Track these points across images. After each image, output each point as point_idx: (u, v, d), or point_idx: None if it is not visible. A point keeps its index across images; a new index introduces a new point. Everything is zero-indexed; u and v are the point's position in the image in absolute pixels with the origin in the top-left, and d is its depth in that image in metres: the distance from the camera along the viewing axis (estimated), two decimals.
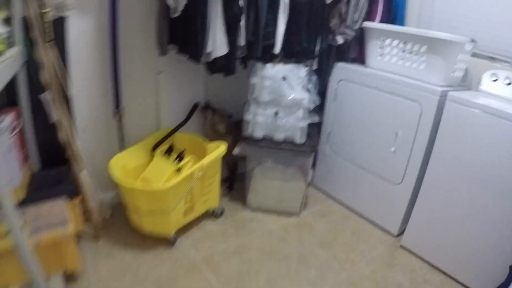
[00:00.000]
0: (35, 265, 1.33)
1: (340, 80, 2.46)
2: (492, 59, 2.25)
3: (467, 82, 2.31)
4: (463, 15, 2.39)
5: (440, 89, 1.98)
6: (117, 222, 2.24)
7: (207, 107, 2.48)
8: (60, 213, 1.71)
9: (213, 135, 2.45)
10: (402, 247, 2.27)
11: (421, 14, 2.59)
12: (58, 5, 1.72)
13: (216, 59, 1.98)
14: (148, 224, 2.03)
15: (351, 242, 2.30)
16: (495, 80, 2.09)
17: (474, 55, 2.27)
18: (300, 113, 2.20)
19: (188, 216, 2.15)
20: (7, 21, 1.62)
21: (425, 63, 2.11)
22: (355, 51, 2.49)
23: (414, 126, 2.10)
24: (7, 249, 1.47)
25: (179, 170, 2.03)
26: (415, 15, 2.61)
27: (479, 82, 2.17)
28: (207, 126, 2.47)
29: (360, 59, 2.51)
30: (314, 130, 2.56)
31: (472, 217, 1.91)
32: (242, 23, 1.92)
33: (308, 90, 2.20)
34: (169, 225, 2.03)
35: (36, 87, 1.84)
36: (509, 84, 2.03)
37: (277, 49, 2.10)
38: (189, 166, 2.02)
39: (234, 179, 2.72)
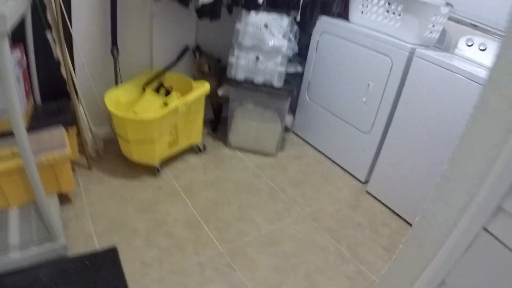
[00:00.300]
0: (40, 183, 1.51)
1: (323, 33, 2.60)
2: (473, 26, 2.36)
3: (445, 44, 2.44)
4: None
5: (410, 45, 2.12)
6: (108, 154, 2.46)
7: (197, 49, 2.65)
8: (59, 138, 1.90)
9: (198, 75, 2.61)
10: (367, 192, 2.49)
11: None
12: None
13: (204, 5, 2.13)
14: (136, 152, 2.23)
15: (320, 183, 2.52)
16: (471, 45, 2.22)
17: (456, 20, 2.40)
18: (279, 59, 2.36)
19: (172, 148, 2.36)
20: None
21: (400, 22, 2.23)
22: (339, 6, 2.61)
23: (385, 79, 2.26)
24: (13, 169, 1.70)
25: (166, 104, 2.22)
26: None
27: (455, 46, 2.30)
28: (194, 67, 2.65)
29: (343, 14, 2.63)
30: (296, 79, 2.73)
31: (432, 169, 2.09)
32: None
33: (288, 39, 2.35)
34: (155, 154, 2.24)
35: (40, 26, 2.01)
36: (483, 50, 2.16)
37: None
38: (175, 100, 2.22)
39: (218, 121, 2.92)
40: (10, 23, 1.23)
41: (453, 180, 0.80)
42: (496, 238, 0.72)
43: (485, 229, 0.74)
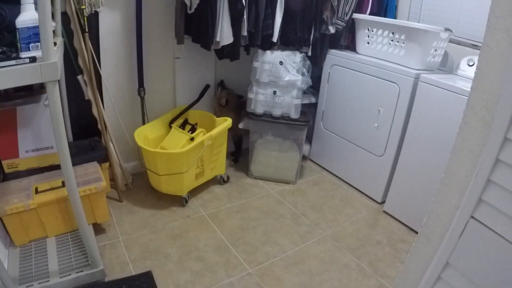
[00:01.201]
0: (83, 212, 1.66)
1: (333, 65, 2.78)
2: (473, 46, 2.50)
3: (448, 66, 2.57)
4: (448, 6, 2.64)
5: (415, 71, 2.27)
6: (137, 187, 2.63)
7: (220, 84, 2.87)
8: (94, 173, 2.07)
9: (218, 109, 2.81)
10: (384, 212, 2.58)
11: (412, 6, 2.89)
12: (93, 2, 2.08)
13: (223, 46, 2.34)
14: (165, 184, 2.39)
15: (339, 206, 2.63)
16: (472, 65, 2.34)
17: (457, 42, 2.54)
18: (295, 92, 2.54)
19: (199, 179, 2.52)
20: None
21: (404, 50, 2.40)
22: (347, 39, 2.80)
23: (394, 105, 2.40)
24: (52, 201, 1.87)
25: (192, 139, 2.39)
26: (406, 8, 2.92)
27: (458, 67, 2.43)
28: (214, 99, 2.85)
29: (351, 46, 2.83)
30: (310, 109, 2.90)
31: None
32: (245, 17, 2.26)
33: (302, 73, 2.53)
34: (183, 186, 2.39)
35: (72, 70, 2.24)
36: None
37: (275, 38, 2.44)
38: (201, 136, 2.39)
39: (239, 153, 3.09)
40: (60, 70, 1.43)
41: (449, 185, 0.98)
42: (480, 222, 0.91)
43: (472, 217, 0.92)
